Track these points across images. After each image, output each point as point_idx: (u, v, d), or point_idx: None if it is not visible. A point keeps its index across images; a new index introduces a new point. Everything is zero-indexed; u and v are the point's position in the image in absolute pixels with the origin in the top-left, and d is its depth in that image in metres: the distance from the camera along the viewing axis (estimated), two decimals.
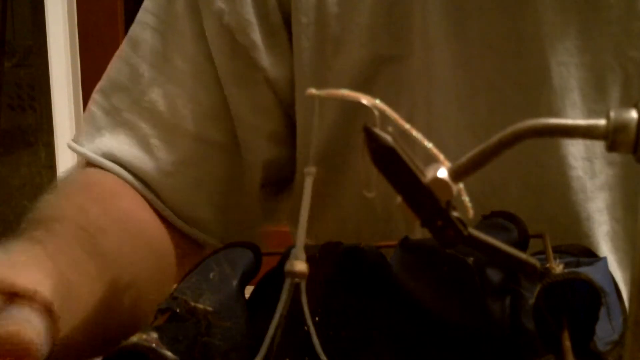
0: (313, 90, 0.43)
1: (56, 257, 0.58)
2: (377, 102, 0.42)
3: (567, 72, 0.69)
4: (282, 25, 0.74)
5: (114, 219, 0.71)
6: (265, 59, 0.75)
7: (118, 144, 0.77)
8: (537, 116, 0.68)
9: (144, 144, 0.77)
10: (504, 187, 0.71)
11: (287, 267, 0.42)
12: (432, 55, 0.71)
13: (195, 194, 0.78)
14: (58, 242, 0.61)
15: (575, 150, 0.70)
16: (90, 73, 2.38)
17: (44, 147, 2.57)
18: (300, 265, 0.42)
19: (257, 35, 0.74)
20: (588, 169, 0.70)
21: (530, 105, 0.70)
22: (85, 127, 0.79)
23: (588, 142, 0.69)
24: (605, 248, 0.72)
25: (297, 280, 0.42)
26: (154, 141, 0.77)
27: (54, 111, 2.44)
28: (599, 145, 0.68)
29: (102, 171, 0.77)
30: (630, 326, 0.37)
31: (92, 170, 0.77)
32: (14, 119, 2.61)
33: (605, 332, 0.50)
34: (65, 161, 2.45)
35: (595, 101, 0.70)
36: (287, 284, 0.41)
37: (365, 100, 0.42)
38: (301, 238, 0.41)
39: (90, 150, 0.78)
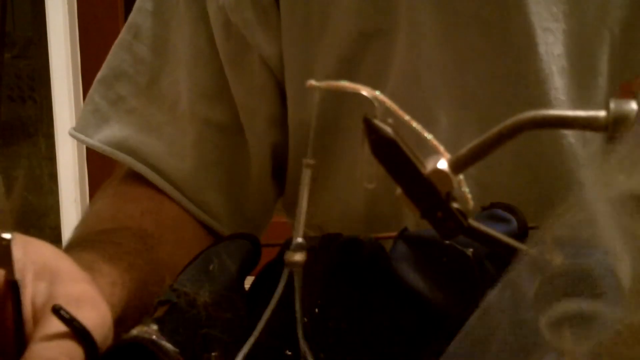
0: (313, 82, 0.43)
1: (124, 275, 0.63)
2: (377, 93, 0.42)
3: (554, 37, 0.69)
4: (272, 2, 0.74)
5: (166, 227, 0.74)
6: (258, 36, 0.75)
7: (128, 132, 0.77)
8: (526, 85, 0.69)
9: (152, 130, 0.77)
10: (497, 159, 0.71)
11: (286, 256, 0.42)
12: (418, 29, 0.71)
13: (201, 176, 0.78)
14: (126, 259, 0.65)
15: None
16: (90, 64, 2.38)
17: (44, 138, 2.57)
18: (297, 256, 0.42)
19: (249, 13, 0.74)
20: (580, 136, 0.70)
21: (518, 74, 0.70)
22: (90, 117, 0.79)
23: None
24: None
25: (294, 269, 0.42)
26: (162, 126, 0.78)
27: (54, 102, 2.44)
28: None
29: (142, 181, 0.77)
30: None
31: (133, 180, 0.78)
32: (14, 111, 2.61)
33: None
34: (65, 152, 2.45)
35: (584, 66, 0.70)
36: (285, 273, 0.42)
37: (365, 91, 0.42)
38: (300, 227, 0.41)
39: (99, 141, 0.78)
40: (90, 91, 0.81)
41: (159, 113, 0.78)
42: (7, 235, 0.47)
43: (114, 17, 2.42)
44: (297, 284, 0.41)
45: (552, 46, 0.69)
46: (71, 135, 0.80)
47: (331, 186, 0.78)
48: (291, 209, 0.84)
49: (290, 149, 0.79)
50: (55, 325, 0.46)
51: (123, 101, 0.78)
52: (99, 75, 0.80)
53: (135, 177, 0.78)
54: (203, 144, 0.77)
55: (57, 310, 0.46)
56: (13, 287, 0.48)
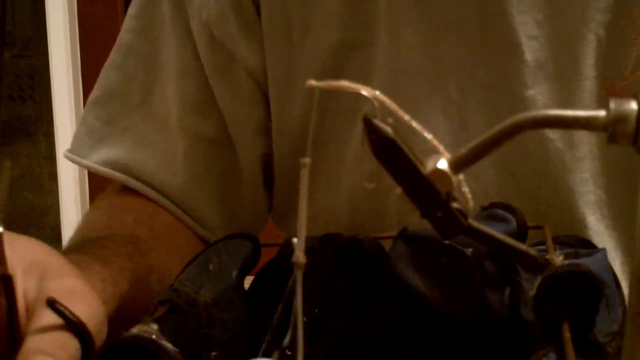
0: (313, 82, 0.43)
1: (115, 274, 0.63)
2: (377, 93, 0.42)
3: (539, 44, 0.69)
4: (255, 15, 0.75)
5: (159, 234, 0.74)
6: (242, 49, 0.75)
7: (122, 150, 0.78)
8: (510, 92, 0.69)
9: (146, 147, 0.78)
10: (482, 167, 0.72)
11: (295, 259, 0.42)
12: (398, 40, 0.71)
13: (193, 190, 0.78)
14: (118, 261, 0.65)
15: None
16: (90, 63, 2.37)
17: (44, 137, 2.57)
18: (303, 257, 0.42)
19: (232, 27, 0.75)
20: (567, 141, 0.70)
21: (501, 82, 0.70)
22: (86, 138, 0.80)
23: None
24: (592, 217, 0.72)
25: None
26: (155, 142, 0.78)
27: (54, 102, 2.43)
28: None
29: (136, 193, 0.78)
30: (629, 317, 0.37)
31: (127, 193, 0.79)
32: (14, 110, 2.60)
33: (604, 323, 0.50)
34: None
35: (569, 70, 0.70)
36: (298, 276, 0.41)
37: (365, 91, 0.42)
38: (302, 230, 0.41)
39: (94, 162, 0.79)
40: (84, 112, 0.82)
41: (152, 130, 0.78)
42: None
43: (114, 17, 2.42)
44: (298, 288, 0.41)
45: (538, 53, 0.69)
46: (66, 157, 0.81)
47: (314, 196, 0.78)
48: (280, 220, 0.84)
49: (275, 160, 0.79)
50: (50, 318, 0.46)
51: (116, 120, 0.79)
52: (92, 96, 0.81)
53: (129, 190, 0.79)
54: (193, 157, 0.78)
55: (51, 303, 0.46)
56: (6, 281, 0.48)
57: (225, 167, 0.79)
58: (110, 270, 0.63)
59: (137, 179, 0.78)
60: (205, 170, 0.78)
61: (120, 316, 0.60)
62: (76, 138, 0.81)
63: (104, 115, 0.80)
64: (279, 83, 0.76)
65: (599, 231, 0.72)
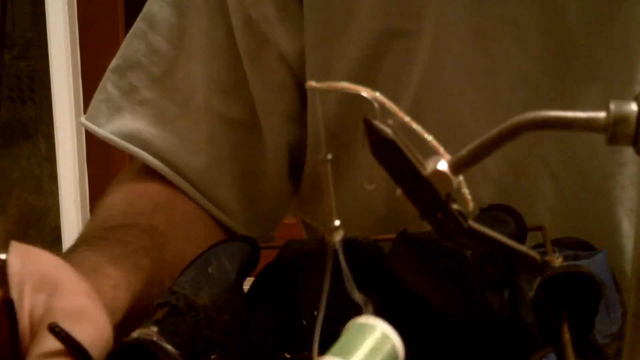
0: (313, 83, 0.43)
1: (129, 276, 0.62)
2: (377, 94, 0.42)
3: (596, 44, 0.68)
4: None
5: (177, 223, 0.73)
6: (278, 32, 0.74)
7: (140, 124, 0.77)
8: (562, 91, 0.68)
9: (166, 123, 0.76)
10: (521, 165, 0.71)
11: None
12: (446, 30, 0.69)
13: (215, 172, 0.77)
14: (133, 259, 0.64)
15: None
16: (90, 65, 2.37)
17: (44, 139, 2.57)
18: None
19: (270, 9, 0.73)
20: (631, 180, 0.69)
21: (553, 79, 0.69)
22: (102, 106, 0.78)
23: None
24: (628, 225, 0.71)
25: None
26: (175, 119, 0.77)
27: (54, 103, 2.44)
28: None
29: (156, 175, 0.76)
30: (629, 319, 0.37)
31: (146, 174, 0.77)
32: (14, 111, 2.61)
33: (604, 325, 0.50)
34: (65, 153, 2.45)
35: (624, 73, 0.68)
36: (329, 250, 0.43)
37: (365, 92, 0.42)
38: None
39: (111, 132, 0.77)
40: (103, 80, 0.79)
41: (173, 106, 0.77)
42: (1, 256, 0.48)
43: (114, 17, 2.42)
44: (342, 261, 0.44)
45: (594, 52, 0.68)
46: (83, 124, 0.79)
47: (348, 185, 0.77)
48: (306, 206, 0.83)
49: (309, 147, 0.78)
50: (52, 343, 0.45)
51: (136, 91, 0.77)
52: (112, 64, 0.79)
53: (149, 171, 0.77)
54: (217, 139, 0.76)
55: (53, 329, 0.45)
56: (8, 307, 0.48)
57: (249, 152, 0.77)
58: (124, 271, 0.62)
59: (155, 155, 0.76)
60: (229, 153, 0.77)
61: (133, 316, 0.60)
62: (93, 105, 0.80)
63: (123, 84, 0.78)
64: (317, 71, 0.74)
65: (633, 238, 0.71)
